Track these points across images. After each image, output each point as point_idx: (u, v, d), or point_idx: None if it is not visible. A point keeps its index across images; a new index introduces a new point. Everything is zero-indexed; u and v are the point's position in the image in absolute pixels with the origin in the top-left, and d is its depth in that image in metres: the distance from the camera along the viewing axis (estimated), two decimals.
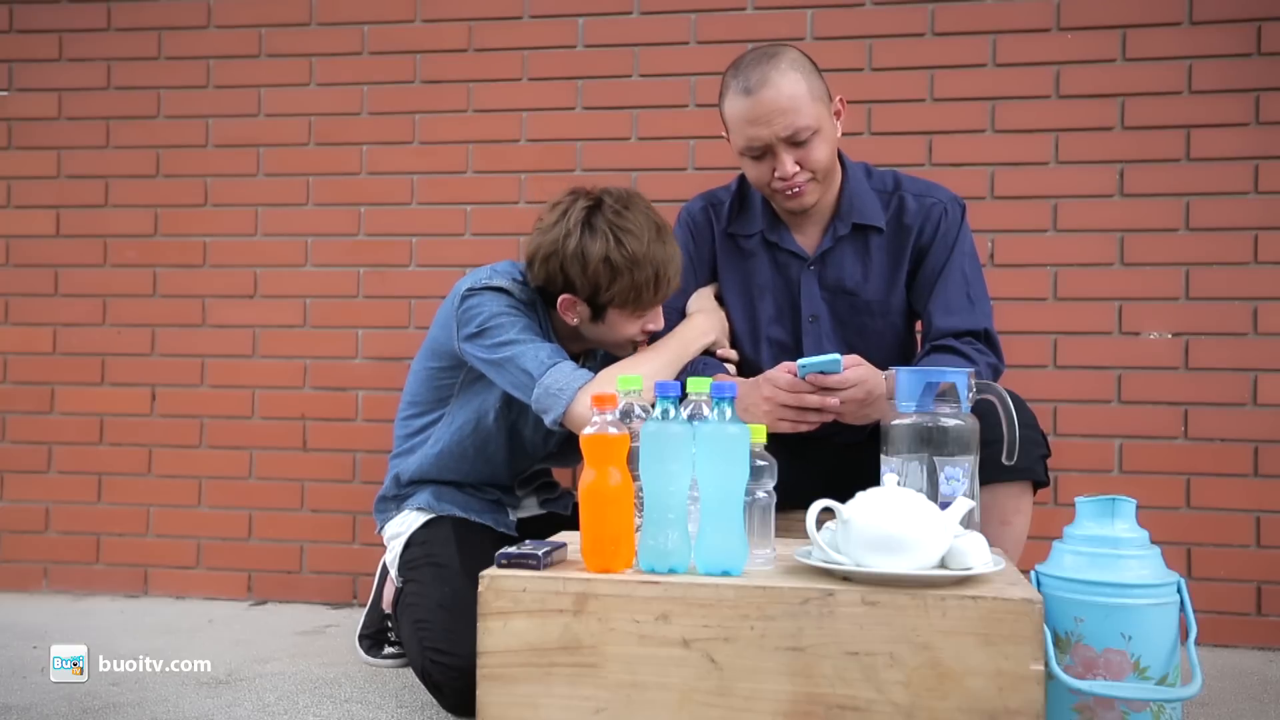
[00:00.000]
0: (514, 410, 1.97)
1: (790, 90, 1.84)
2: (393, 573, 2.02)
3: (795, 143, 1.86)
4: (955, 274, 1.96)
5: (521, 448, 2.05)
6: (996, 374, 1.93)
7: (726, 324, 2.05)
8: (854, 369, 1.76)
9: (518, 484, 2.14)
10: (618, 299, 1.85)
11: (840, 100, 1.95)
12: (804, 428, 1.80)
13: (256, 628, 2.41)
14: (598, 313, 1.89)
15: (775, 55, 1.88)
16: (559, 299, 1.90)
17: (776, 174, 1.88)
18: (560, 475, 2.32)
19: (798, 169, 1.87)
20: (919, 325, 2.06)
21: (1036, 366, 2.42)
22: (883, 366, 1.80)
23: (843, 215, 1.99)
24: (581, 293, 1.86)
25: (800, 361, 1.77)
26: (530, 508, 2.17)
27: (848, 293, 2.00)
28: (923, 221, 1.98)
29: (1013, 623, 1.24)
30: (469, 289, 1.92)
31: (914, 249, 1.98)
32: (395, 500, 2.07)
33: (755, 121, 1.85)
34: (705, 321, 2.01)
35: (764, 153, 1.88)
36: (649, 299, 1.86)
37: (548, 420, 1.80)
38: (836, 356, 1.74)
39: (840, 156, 2.02)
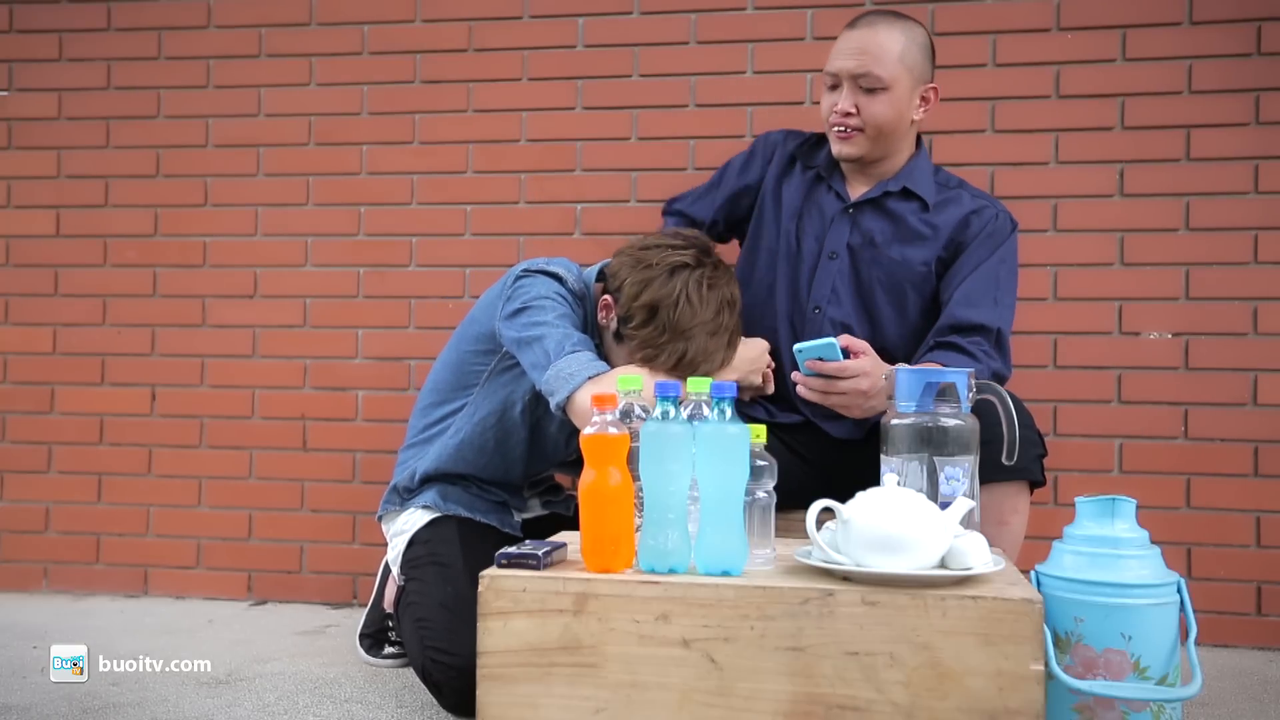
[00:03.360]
0: (541, 405, 1.95)
1: (883, 40, 1.93)
2: (395, 570, 2.02)
3: (863, 87, 1.93)
4: (988, 274, 1.98)
5: (542, 447, 2.04)
6: (1000, 379, 1.91)
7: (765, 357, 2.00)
8: (857, 360, 1.76)
9: (527, 486, 2.14)
10: (637, 342, 1.85)
11: (933, 90, 2.01)
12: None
13: (256, 628, 2.41)
14: (618, 335, 1.90)
15: (896, 17, 1.99)
16: (604, 295, 1.92)
17: (836, 108, 1.96)
18: (561, 479, 2.32)
19: (854, 111, 1.95)
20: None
21: (1036, 366, 2.42)
22: (888, 324, 1.80)
23: (898, 179, 2.03)
24: (619, 310, 1.88)
25: (797, 346, 1.78)
26: (533, 508, 2.17)
27: (874, 244, 2.02)
28: (969, 215, 2.01)
29: (1013, 623, 1.24)
30: (524, 270, 1.94)
31: (952, 239, 2.00)
32: (403, 494, 2.06)
33: (840, 53, 1.97)
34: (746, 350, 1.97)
35: (836, 85, 1.97)
36: (662, 365, 1.83)
37: (552, 404, 1.79)
38: (832, 341, 1.74)
39: (920, 142, 2.08)
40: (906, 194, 2.02)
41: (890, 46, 1.92)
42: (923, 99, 1.99)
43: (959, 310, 1.93)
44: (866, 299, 1.99)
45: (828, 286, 2.00)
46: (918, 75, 1.96)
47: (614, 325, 1.90)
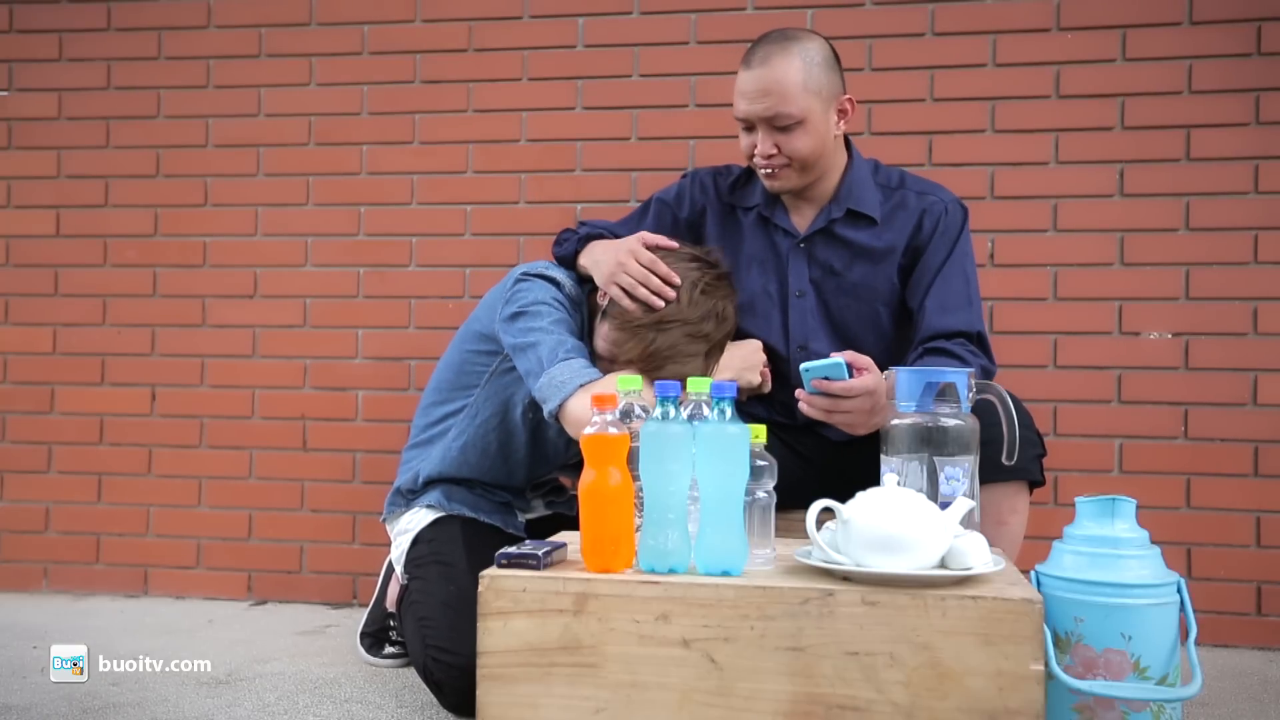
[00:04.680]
0: (540, 409, 1.96)
1: (783, 76, 1.86)
2: (398, 569, 2.02)
3: (776, 126, 1.89)
4: (956, 274, 1.95)
5: (543, 450, 2.04)
6: (988, 377, 1.92)
7: (760, 360, 2.00)
8: (861, 378, 1.74)
9: (530, 489, 2.14)
10: (616, 323, 1.86)
11: (849, 100, 1.96)
12: (640, 299, 1.83)
13: (256, 628, 2.41)
14: (604, 314, 1.91)
15: (789, 39, 1.90)
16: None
17: (756, 150, 1.92)
18: (564, 480, 2.32)
19: (775, 151, 1.90)
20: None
21: (1036, 366, 2.42)
22: (868, 349, 1.80)
23: (839, 200, 2.00)
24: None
25: (804, 366, 1.76)
26: (537, 509, 2.17)
27: (835, 273, 2.00)
28: (920, 218, 1.98)
29: (1013, 623, 1.24)
30: (524, 273, 1.94)
31: (909, 245, 1.98)
32: (407, 496, 2.06)
33: (744, 95, 1.90)
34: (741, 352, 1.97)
35: (750, 127, 1.93)
36: (629, 353, 1.82)
37: (545, 411, 1.79)
38: (840, 361, 1.73)
39: (849, 146, 2.03)
40: (852, 214, 1.99)
41: (792, 78, 1.86)
42: (840, 112, 1.94)
43: (936, 320, 1.92)
44: (842, 329, 1.98)
45: (804, 324, 1.99)
46: (828, 95, 1.90)
47: (604, 303, 1.91)
